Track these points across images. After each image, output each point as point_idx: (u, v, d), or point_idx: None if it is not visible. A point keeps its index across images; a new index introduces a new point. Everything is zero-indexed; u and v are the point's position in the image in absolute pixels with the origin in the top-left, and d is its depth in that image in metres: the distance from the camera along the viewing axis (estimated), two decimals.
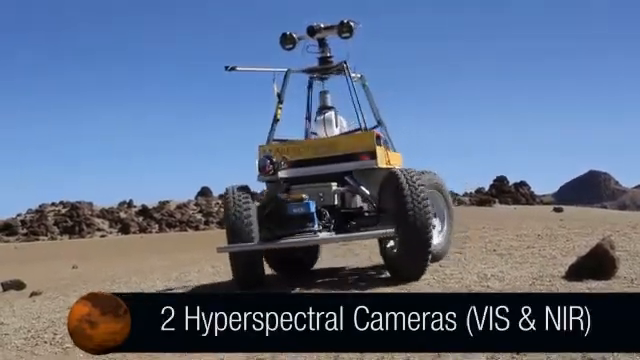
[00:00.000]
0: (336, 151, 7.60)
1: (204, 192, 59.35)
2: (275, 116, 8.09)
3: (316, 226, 7.12)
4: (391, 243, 7.39)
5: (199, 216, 54.64)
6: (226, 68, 8.05)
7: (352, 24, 7.98)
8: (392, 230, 6.91)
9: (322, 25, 8.18)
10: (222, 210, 8.80)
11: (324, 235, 7.24)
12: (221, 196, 11.09)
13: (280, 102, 8.09)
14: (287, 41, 8.19)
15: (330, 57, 8.30)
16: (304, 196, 7.14)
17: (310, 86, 8.62)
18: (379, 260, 8.25)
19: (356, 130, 8.01)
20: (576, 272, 6.56)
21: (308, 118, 8.52)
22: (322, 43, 8.30)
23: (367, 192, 7.57)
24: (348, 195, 7.75)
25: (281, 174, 7.56)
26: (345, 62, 8.13)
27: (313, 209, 7.12)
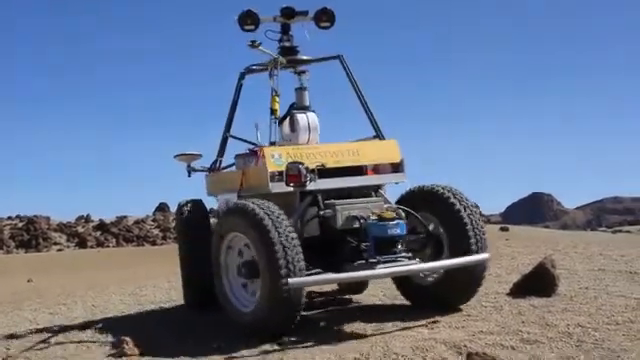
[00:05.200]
0: (359, 161, 6.47)
1: (162, 208, 59.07)
2: (273, 111, 6.76)
3: (404, 252, 6.01)
4: None
5: (156, 231, 54.32)
6: (252, 43, 6.58)
7: (334, 13, 7.05)
8: (488, 256, 6.17)
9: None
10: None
11: (424, 264, 6.05)
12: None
13: (276, 94, 6.79)
14: (249, 20, 6.86)
15: (297, 47, 7.12)
16: (395, 215, 6.00)
17: (242, 77, 7.27)
18: None
19: (374, 137, 6.99)
20: (520, 289, 6.83)
21: (231, 118, 7.25)
22: (286, 30, 7.08)
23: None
24: None
25: (311, 186, 6.14)
26: (341, 56, 7.11)
27: (405, 231, 6.00)
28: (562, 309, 6.10)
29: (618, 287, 7.05)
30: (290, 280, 5.45)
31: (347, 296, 7.45)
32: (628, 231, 30.30)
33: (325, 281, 6.23)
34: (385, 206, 6.24)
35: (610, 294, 6.68)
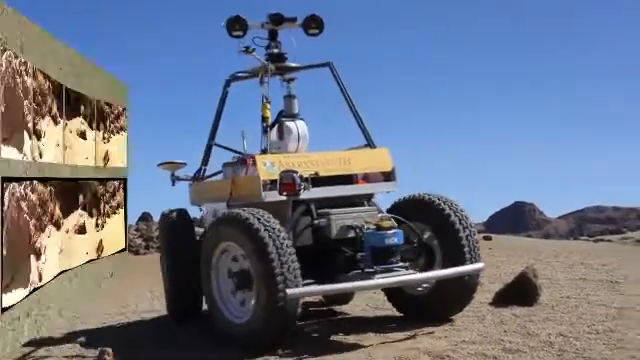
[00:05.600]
0: (351, 170, 6.42)
1: (145, 217, 58.77)
2: (265, 118, 6.63)
3: (401, 262, 5.95)
4: None
5: (139, 241, 54.10)
6: (247, 49, 6.57)
7: (323, 20, 6.97)
8: (482, 266, 6.16)
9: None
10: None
11: (421, 274, 5.97)
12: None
13: (267, 101, 6.65)
14: (237, 26, 6.72)
15: (285, 54, 6.98)
16: (393, 224, 5.93)
17: (228, 84, 7.13)
18: None
19: (365, 145, 6.87)
20: (502, 299, 6.90)
21: (215, 126, 7.10)
22: (274, 36, 6.96)
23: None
24: None
25: (304, 195, 5.98)
26: (331, 63, 6.96)
27: (402, 241, 5.93)
28: (544, 318, 6.15)
29: (599, 296, 7.12)
30: (288, 291, 5.33)
31: (332, 306, 7.45)
32: (609, 240, 30.54)
33: (323, 291, 6.17)
34: (379, 215, 6.19)
35: (591, 303, 6.74)
